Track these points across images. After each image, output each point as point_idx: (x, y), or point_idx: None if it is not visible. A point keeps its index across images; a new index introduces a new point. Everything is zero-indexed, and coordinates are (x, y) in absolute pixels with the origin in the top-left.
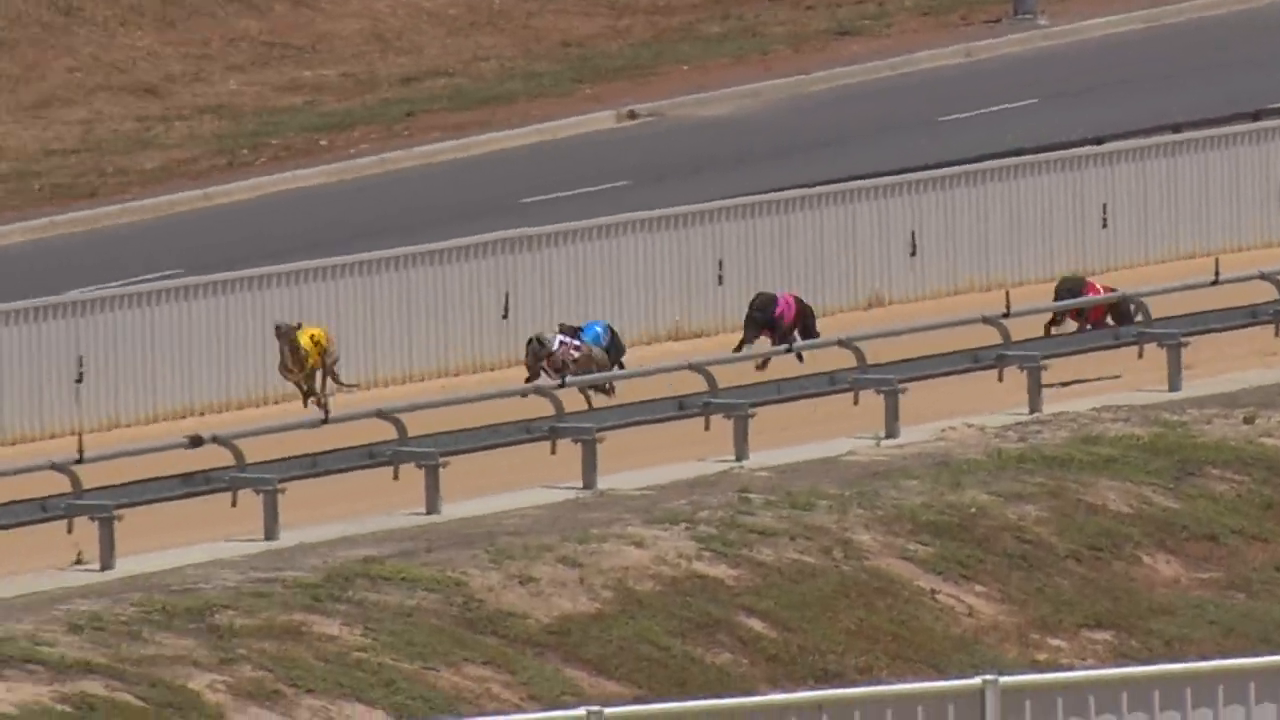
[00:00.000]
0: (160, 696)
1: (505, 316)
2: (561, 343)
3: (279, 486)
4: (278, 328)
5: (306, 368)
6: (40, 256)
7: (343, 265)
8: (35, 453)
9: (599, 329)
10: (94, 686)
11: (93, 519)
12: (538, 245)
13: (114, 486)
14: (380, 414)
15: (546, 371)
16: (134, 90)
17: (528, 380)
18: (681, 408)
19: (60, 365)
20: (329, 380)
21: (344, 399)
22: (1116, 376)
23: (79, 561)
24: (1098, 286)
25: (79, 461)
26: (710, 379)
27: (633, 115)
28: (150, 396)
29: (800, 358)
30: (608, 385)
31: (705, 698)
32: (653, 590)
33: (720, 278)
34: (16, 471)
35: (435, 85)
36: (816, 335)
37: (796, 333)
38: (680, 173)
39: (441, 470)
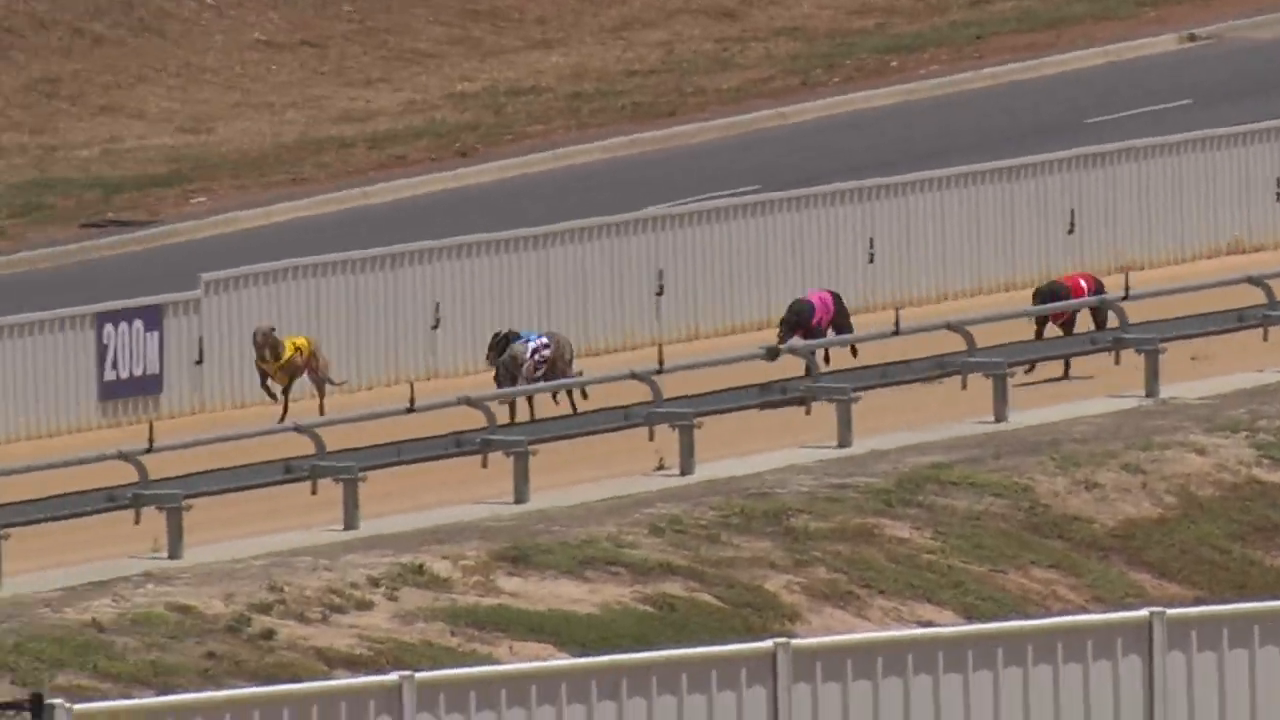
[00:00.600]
0: (738, 597)
1: (1071, 231)
2: (533, 350)
3: (853, 396)
4: (255, 334)
5: (282, 362)
6: (619, 173)
7: (912, 182)
8: (618, 363)
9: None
10: (674, 587)
11: (672, 427)
12: (1104, 163)
13: (693, 396)
14: (949, 326)
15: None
16: (712, 13)
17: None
18: (1241, 320)
19: (641, 278)
20: (324, 383)
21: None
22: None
23: (660, 467)
24: (1082, 285)
25: (658, 372)
26: None
27: (1193, 38)
28: (728, 309)
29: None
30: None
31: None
32: (1213, 496)
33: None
34: (602, 380)
35: (1004, 8)
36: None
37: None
38: (1240, 94)
39: (1009, 381)
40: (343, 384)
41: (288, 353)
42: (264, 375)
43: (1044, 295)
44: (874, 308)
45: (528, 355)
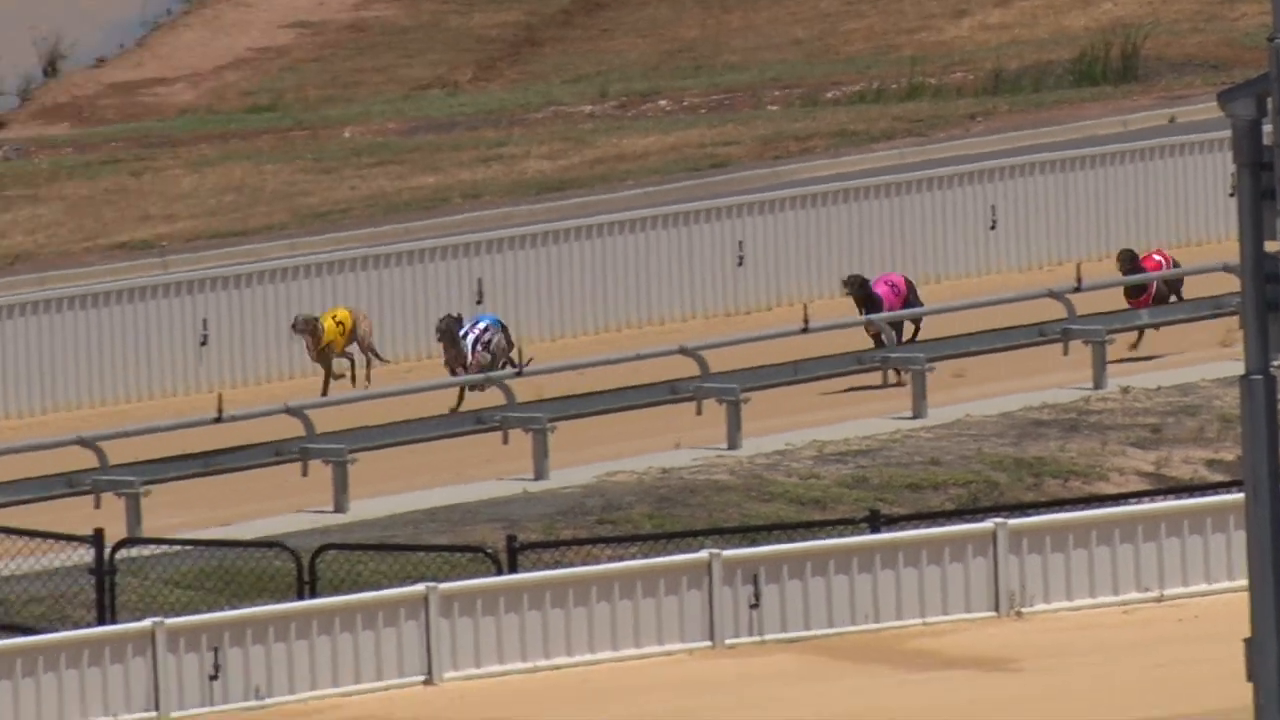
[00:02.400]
0: None
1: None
2: (474, 341)
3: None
4: (294, 323)
5: (323, 344)
6: None
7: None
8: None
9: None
10: None
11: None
12: None
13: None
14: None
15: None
16: None
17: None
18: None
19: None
20: (370, 356)
21: None
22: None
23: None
24: (1155, 258)
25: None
26: None
27: None
28: None
29: None
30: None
31: None
32: None
33: None
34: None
35: None
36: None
37: None
38: None
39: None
40: (387, 361)
41: (328, 334)
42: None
43: (1124, 262)
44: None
45: (469, 348)
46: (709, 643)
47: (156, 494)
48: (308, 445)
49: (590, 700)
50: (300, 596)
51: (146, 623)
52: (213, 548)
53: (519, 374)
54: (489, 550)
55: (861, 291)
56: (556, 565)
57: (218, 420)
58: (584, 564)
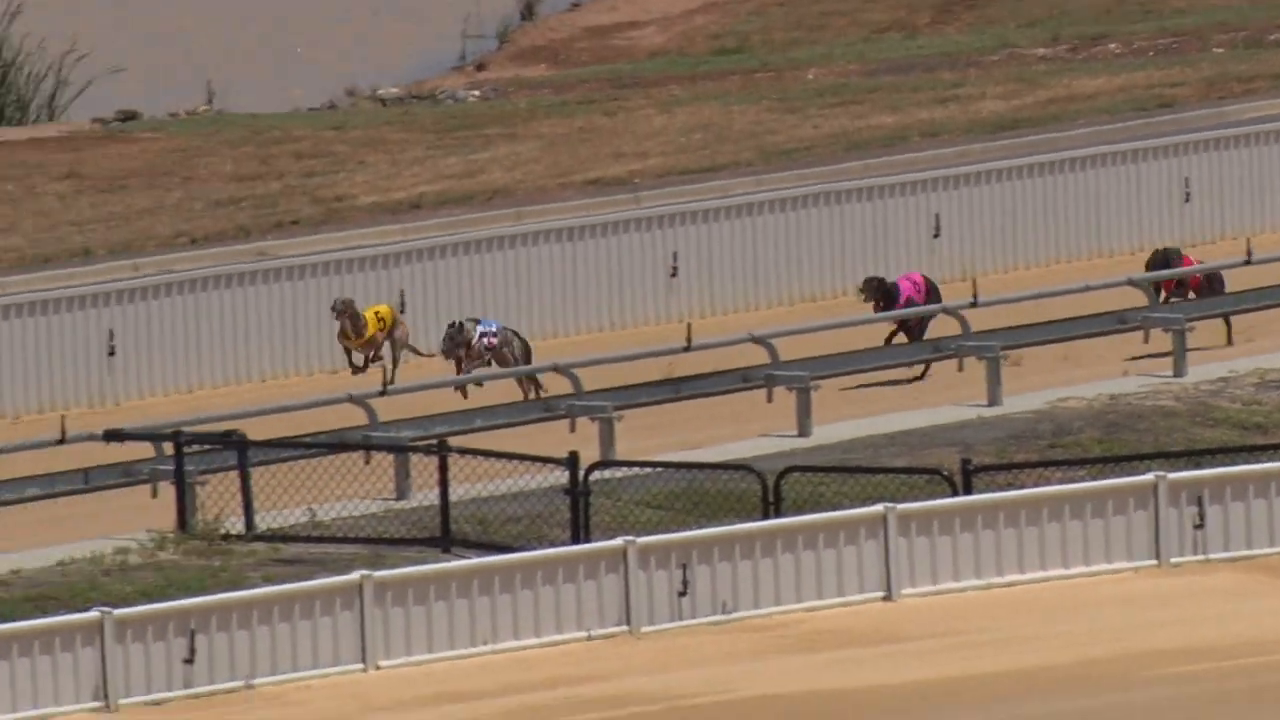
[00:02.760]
0: None
1: None
2: (482, 334)
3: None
4: (334, 306)
5: (366, 337)
6: None
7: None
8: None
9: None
10: None
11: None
12: None
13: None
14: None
15: (463, 360)
16: None
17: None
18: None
19: None
20: (403, 352)
21: None
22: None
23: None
24: (1192, 259)
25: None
26: None
27: None
28: None
29: None
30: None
31: None
32: None
33: None
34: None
35: None
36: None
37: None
38: None
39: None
40: (430, 355)
41: (371, 328)
42: (347, 350)
43: (1157, 263)
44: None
45: (476, 337)
46: (1154, 561)
47: (628, 418)
48: (773, 372)
49: (1041, 615)
50: (765, 516)
51: (619, 541)
52: (682, 470)
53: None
54: (945, 473)
55: (882, 293)
56: (1009, 487)
57: (686, 349)
58: (1035, 486)
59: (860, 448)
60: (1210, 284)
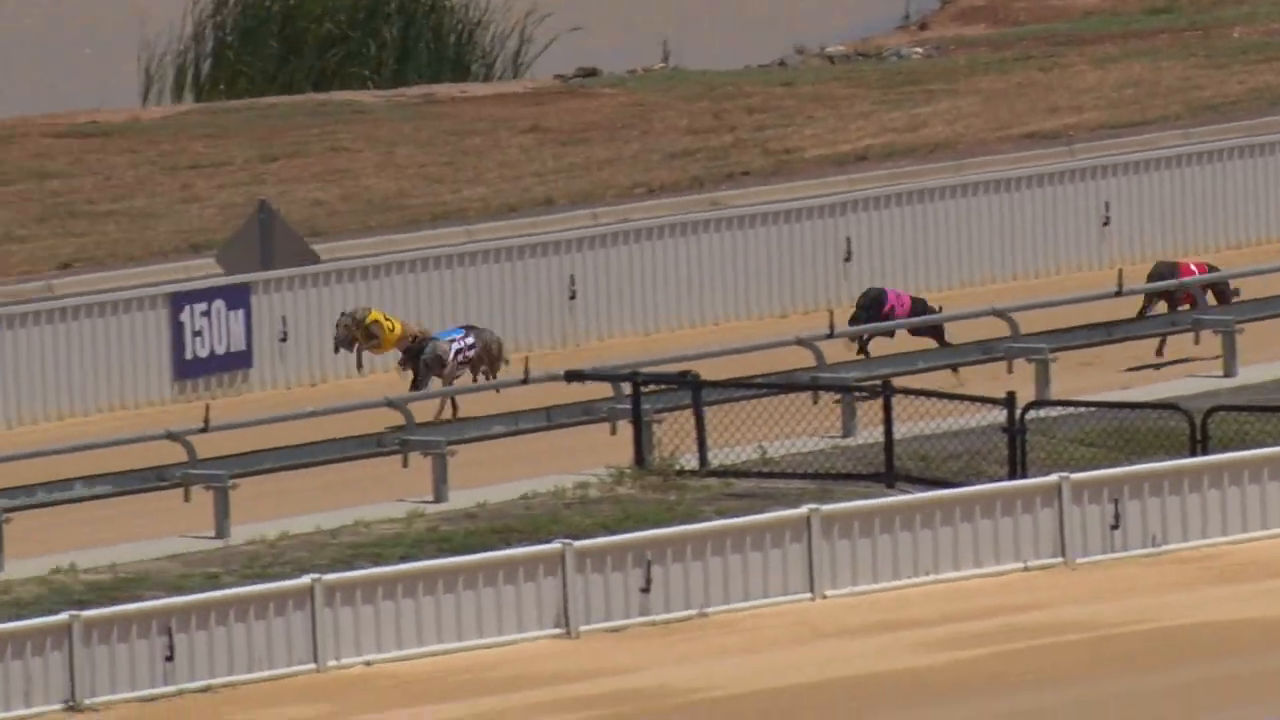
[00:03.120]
0: None
1: None
2: (456, 350)
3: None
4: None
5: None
6: None
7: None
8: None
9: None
10: None
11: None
12: None
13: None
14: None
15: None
16: None
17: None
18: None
19: None
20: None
21: None
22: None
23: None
24: (1192, 267)
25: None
26: None
27: None
28: None
29: None
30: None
31: None
32: None
33: None
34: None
35: None
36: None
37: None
38: None
39: None
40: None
41: (397, 330)
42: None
43: (1155, 276)
44: None
45: (450, 354)
46: None
47: (1062, 359)
48: (1200, 316)
49: None
50: (1193, 453)
51: (1054, 477)
52: (1113, 409)
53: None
54: None
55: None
56: None
57: (1118, 294)
58: None
59: None
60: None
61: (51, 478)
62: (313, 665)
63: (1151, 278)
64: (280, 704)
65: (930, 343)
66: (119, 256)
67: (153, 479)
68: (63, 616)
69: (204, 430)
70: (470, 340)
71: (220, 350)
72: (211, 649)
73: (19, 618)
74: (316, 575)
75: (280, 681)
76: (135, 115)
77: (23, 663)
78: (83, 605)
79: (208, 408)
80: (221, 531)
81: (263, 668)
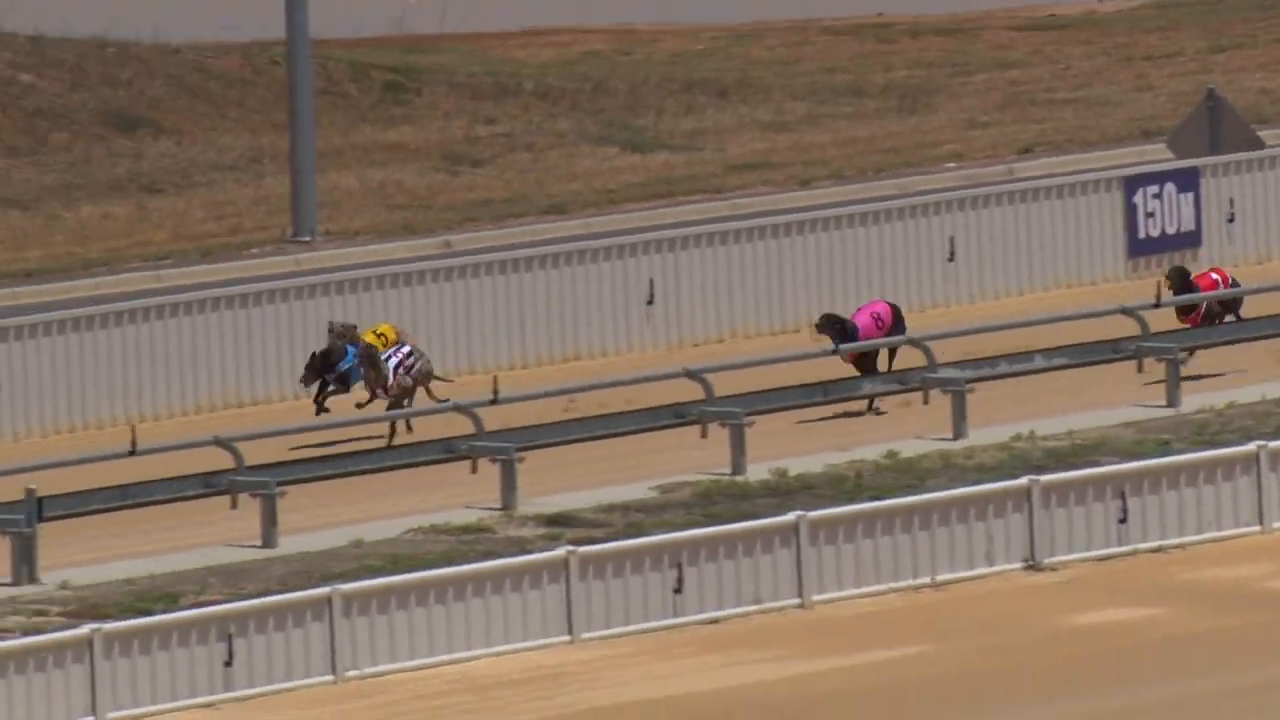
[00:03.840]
0: None
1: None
2: (396, 365)
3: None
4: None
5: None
6: None
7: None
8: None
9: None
10: None
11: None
12: None
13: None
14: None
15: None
16: None
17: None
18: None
19: None
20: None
21: None
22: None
23: None
24: (1213, 278)
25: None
26: None
27: None
28: None
29: None
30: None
31: None
32: None
33: None
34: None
35: None
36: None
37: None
38: None
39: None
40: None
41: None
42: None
43: (1175, 279)
44: None
45: (390, 371)
46: None
47: None
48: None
49: None
50: None
51: None
52: None
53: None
54: None
55: (837, 329)
56: None
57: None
58: None
59: None
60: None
61: (1013, 350)
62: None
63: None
64: (1229, 564)
65: None
66: (1075, 142)
67: (1107, 351)
68: (1021, 481)
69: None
70: (409, 351)
71: (1171, 230)
72: (1162, 512)
73: (979, 482)
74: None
75: (1227, 543)
76: (1091, 9)
77: (985, 525)
78: (1040, 470)
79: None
80: (1173, 401)
81: (1211, 529)
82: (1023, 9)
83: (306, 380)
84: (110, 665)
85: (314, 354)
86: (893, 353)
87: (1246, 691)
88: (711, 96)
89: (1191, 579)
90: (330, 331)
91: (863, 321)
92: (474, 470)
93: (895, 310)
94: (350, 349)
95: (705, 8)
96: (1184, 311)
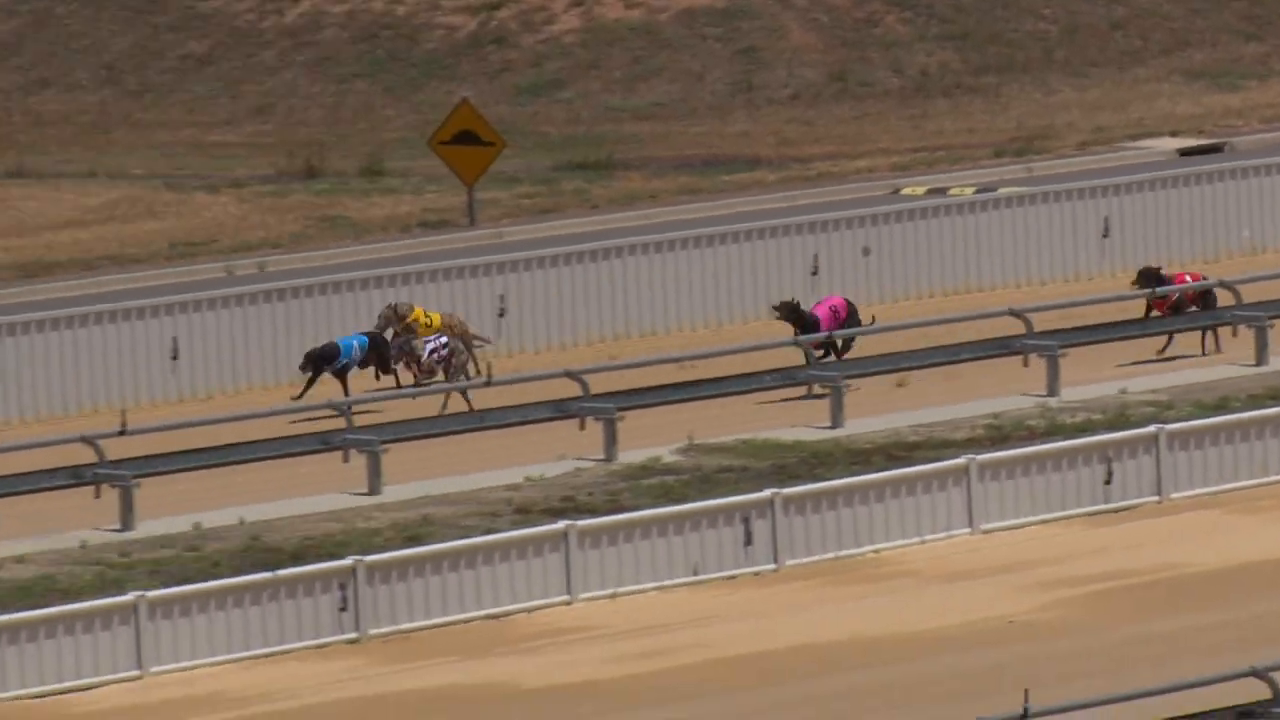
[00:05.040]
0: None
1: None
2: (431, 350)
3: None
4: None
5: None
6: None
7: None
8: None
9: (355, 342)
10: None
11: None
12: None
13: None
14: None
15: (417, 376)
16: None
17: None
18: None
19: None
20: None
21: None
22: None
23: None
24: (1186, 276)
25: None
26: None
27: None
28: None
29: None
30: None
31: None
32: None
33: None
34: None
35: None
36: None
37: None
38: None
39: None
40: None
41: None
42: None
43: (1146, 277)
44: None
45: (425, 352)
46: None
47: None
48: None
49: None
50: None
51: None
52: None
53: (488, 383)
54: None
55: (794, 316)
56: None
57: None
58: None
59: None
60: (1204, 301)
61: None
62: None
63: (1142, 278)
64: None
65: None
66: None
67: None
68: None
69: None
70: (445, 341)
71: None
72: None
73: None
74: None
75: None
76: None
77: None
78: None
79: None
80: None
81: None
82: None
83: (304, 367)
84: None
85: (315, 348)
86: (847, 344)
87: None
88: None
89: None
90: (381, 315)
91: (822, 313)
92: (97, 496)
93: (850, 305)
94: (347, 347)
95: None
96: (1164, 302)
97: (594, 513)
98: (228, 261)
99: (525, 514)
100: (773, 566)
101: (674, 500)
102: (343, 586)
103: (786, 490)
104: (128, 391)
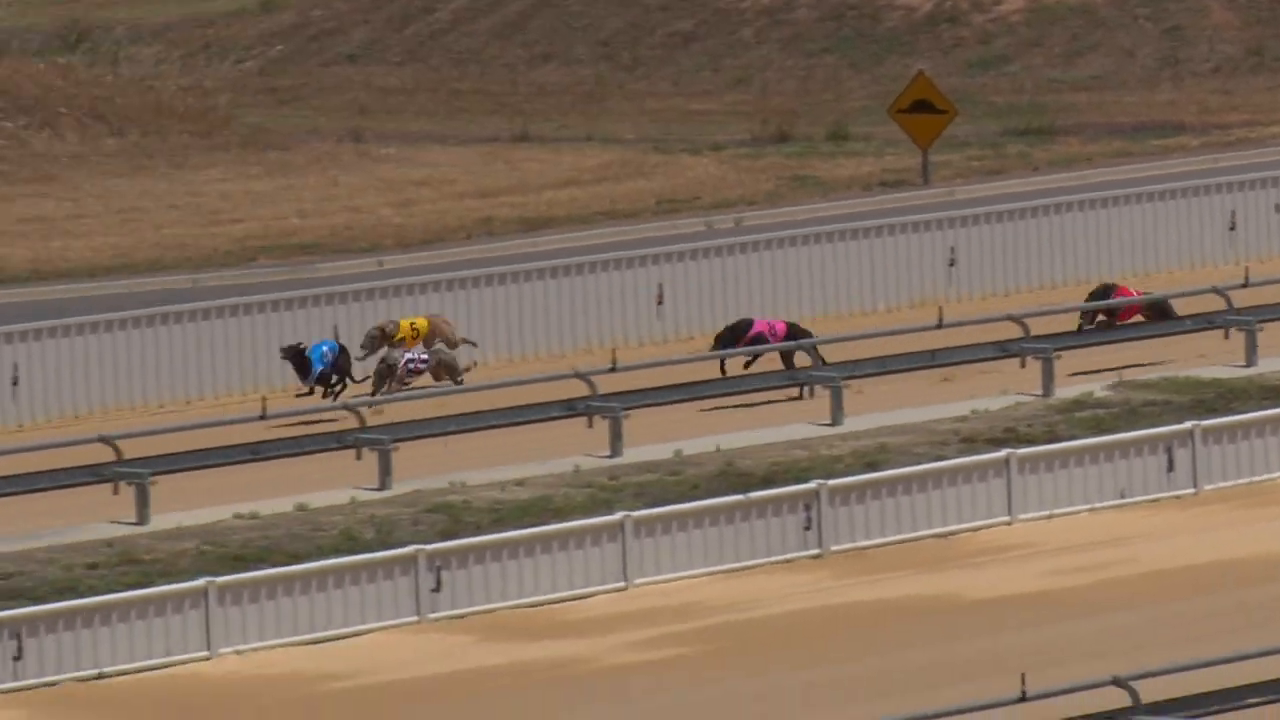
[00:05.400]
0: None
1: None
2: (408, 360)
3: None
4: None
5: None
6: None
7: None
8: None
9: (325, 348)
10: None
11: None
12: None
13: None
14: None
15: (391, 387)
16: None
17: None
18: None
19: None
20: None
21: None
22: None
23: None
24: (1131, 290)
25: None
26: None
27: None
28: None
29: None
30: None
31: None
32: None
33: None
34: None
35: None
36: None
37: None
38: None
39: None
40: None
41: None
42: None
43: (1096, 294)
44: None
45: (401, 363)
46: None
47: None
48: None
49: None
50: None
51: None
52: None
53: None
54: None
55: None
56: None
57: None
58: None
59: None
60: (1162, 313)
61: None
62: None
63: (1092, 296)
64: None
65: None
66: None
67: None
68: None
69: None
70: (424, 355)
71: None
72: None
73: None
74: None
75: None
76: None
77: None
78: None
79: None
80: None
81: None
82: None
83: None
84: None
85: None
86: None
87: None
88: None
89: None
90: (369, 336)
91: (760, 329)
92: (589, 425)
93: (791, 326)
94: (317, 353)
95: None
96: (1110, 314)
97: (1032, 442)
98: (708, 216)
99: (971, 443)
100: (1192, 490)
101: (1104, 431)
102: (808, 507)
103: (1206, 422)
104: (617, 332)
